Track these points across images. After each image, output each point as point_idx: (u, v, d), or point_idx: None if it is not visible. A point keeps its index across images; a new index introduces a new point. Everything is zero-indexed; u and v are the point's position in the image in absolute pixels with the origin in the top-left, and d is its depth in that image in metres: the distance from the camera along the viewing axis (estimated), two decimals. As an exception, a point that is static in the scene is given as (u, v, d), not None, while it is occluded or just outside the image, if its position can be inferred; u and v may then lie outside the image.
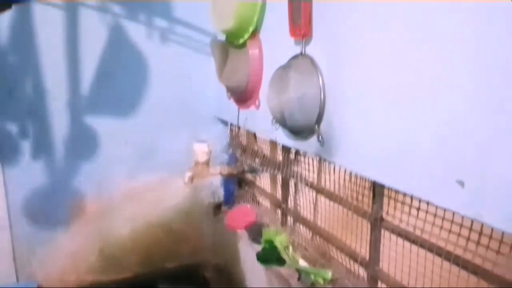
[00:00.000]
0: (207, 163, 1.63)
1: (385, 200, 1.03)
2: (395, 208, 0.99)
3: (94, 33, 1.65)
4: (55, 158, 1.72)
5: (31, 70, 1.61)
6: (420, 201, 0.89)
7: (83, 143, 1.74)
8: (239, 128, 1.84)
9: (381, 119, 0.89)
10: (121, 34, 1.69)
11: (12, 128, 1.64)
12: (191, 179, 1.62)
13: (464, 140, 0.68)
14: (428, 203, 0.86)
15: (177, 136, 1.86)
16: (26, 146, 1.67)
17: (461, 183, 0.68)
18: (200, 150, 1.60)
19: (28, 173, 1.69)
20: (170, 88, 1.81)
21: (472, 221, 0.78)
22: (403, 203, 0.96)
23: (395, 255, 1.01)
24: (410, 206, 0.92)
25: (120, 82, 1.73)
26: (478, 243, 0.77)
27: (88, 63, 1.66)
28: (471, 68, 0.67)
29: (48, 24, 1.58)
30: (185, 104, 1.85)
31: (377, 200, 1.04)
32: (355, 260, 1.18)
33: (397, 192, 0.97)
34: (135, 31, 1.70)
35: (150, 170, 1.86)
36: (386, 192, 1.02)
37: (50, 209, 1.76)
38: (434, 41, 0.74)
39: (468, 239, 0.79)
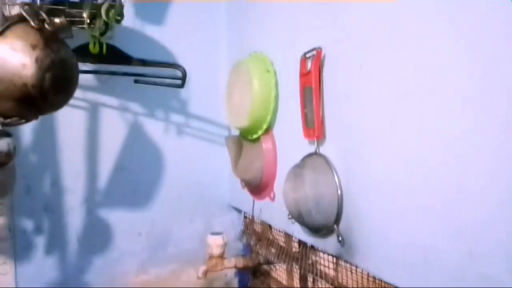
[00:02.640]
0: (221, 255, 1.60)
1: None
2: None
3: (113, 130, 1.73)
4: (68, 253, 1.70)
5: (50, 167, 1.66)
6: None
7: (97, 237, 1.72)
8: (253, 217, 1.84)
9: (402, 222, 0.89)
10: (139, 130, 1.77)
11: (28, 224, 1.64)
12: (205, 273, 1.58)
13: (492, 252, 0.67)
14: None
15: (191, 226, 1.85)
16: (40, 241, 1.66)
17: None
18: (215, 243, 1.58)
19: (40, 269, 1.66)
20: (184, 178, 1.84)
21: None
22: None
23: None
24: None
25: (135, 174, 1.77)
26: None
27: (105, 159, 1.72)
28: (493, 173, 0.68)
29: (69, 123, 1.66)
30: (199, 193, 1.87)
31: (405, 305, 1.00)
32: None
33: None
34: (153, 126, 1.78)
35: (162, 262, 1.82)
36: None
37: (59, 305, 1.70)
38: (454, 135, 0.76)
39: None
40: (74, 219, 1.69)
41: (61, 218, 1.68)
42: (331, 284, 1.34)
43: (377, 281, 1.12)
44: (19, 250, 1.63)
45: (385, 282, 1.08)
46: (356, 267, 1.16)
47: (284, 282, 1.68)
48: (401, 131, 0.89)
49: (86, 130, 1.70)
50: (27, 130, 1.62)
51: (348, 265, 1.27)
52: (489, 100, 0.69)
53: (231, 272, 1.91)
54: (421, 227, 0.83)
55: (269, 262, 1.65)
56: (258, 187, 1.52)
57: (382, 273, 0.96)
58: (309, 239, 1.25)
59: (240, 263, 1.63)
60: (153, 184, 1.80)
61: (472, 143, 0.72)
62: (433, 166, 0.81)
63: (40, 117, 1.62)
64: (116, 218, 1.74)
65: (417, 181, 0.85)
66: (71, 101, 1.66)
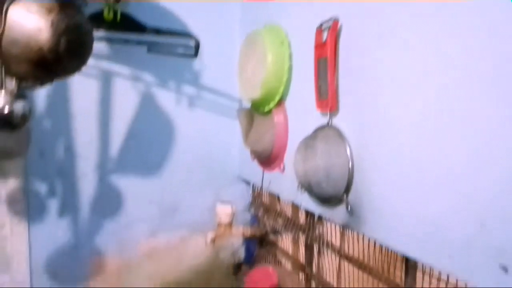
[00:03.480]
0: (229, 224, 1.64)
1: (419, 274, 1.02)
2: (430, 283, 0.98)
3: (125, 100, 1.74)
4: (80, 217, 1.75)
5: (64, 133, 1.69)
6: (457, 280, 0.88)
7: (108, 203, 1.77)
8: (261, 188, 1.87)
9: (413, 193, 0.90)
10: (151, 100, 1.78)
11: (41, 188, 1.69)
12: (213, 240, 1.63)
13: (507, 224, 0.69)
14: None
15: (200, 196, 1.88)
16: (53, 205, 1.71)
17: (505, 269, 0.68)
18: (223, 212, 1.62)
19: (53, 231, 1.71)
20: (195, 149, 1.87)
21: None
22: (438, 279, 0.95)
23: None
24: (447, 283, 0.92)
25: (147, 143, 1.80)
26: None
27: (117, 127, 1.74)
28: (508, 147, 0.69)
29: (82, 92, 1.68)
30: (209, 164, 1.90)
31: (410, 273, 1.04)
32: (387, 334, 1.14)
33: (431, 268, 0.96)
34: (165, 97, 1.79)
35: (172, 229, 1.87)
36: (419, 265, 1.02)
37: (71, 266, 1.76)
38: (467, 117, 0.77)
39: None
40: (87, 184, 1.73)
41: (73, 183, 1.72)
42: (337, 254, 1.38)
43: (383, 250, 1.15)
44: (32, 212, 1.68)
45: (392, 252, 1.11)
46: (363, 237, 1.19)
47: (290, 252, 1.73)
48: (416, 104, 0.89)
49: (99, 98, 1.72)
50: (41, 96, 1.64)
51: (353, 236, 1.30)
52: (503, 72, 0.69)
53: (238, 242, 1.96)
54: (432, 198, 0.85)
55: (276, 232, 1.69)
56: (268, 159, 1.54)
57: (391, 243, 0.98)
58: (317, 209, 1.28)
59: (248, 232, 1.68)
60: (164, 154, 1.83)
61: (485, 114, 0.73)
62: (445, 138, 0.82)
63: (55, 84, 1.65)
64: (127, 185, 1.78)
65: (429, 153, 0.86)
66: (85, 70, 1.66)
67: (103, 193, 1.76)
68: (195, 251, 1.91)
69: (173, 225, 1.86)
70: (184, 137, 1.84)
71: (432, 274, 0.97)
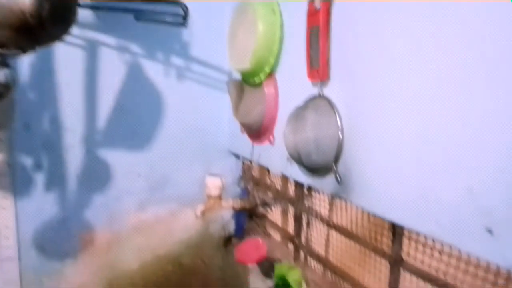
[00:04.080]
0: (219, 197, 1.64)
1: (405, 240, 1.04)
2: (416, 249, 1.01)
3: (112, 70, 1.70)
4: (67, 190, 1.73)
5: (49, 105, 1.65)
6: (443, 244, 0.91)
7: (96, 176, 1.75)
8: (251, 161, 1.87)
9: (402, 160, 0.91)
10: (139, 71, 1.74)
11: (27, 161, 1.66)
12: (203, 213, 1.63)
13: (494, 188, 0.70)
14: (451, 247, 0.87)
15: (190, 169, 1.88)
16: (39, 178, 1.68)
17: (490, 231, 0.70)
18: (213, 184, 1.62)
19: (40, 205, 1.69)
20: (184, 122, 1.85)
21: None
22: (424, 245, 0.97)
23: (415, 297, 1.02)
24: (433, 248, 0.94)
25: (135, 116, 1.77)
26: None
27: (105, 99, 1.71)
28: (499, 114, 0.70)
29: (68, 62, 1.63)
30: (199, 137, 1.89)
31: (397, 240, 1.06)
32: (373, 300, 1.18)
33: (418, 234, 0.98)
34: (153, 68, 1.75)
35: (161, 202, 1.87)
36: (406, 232, 1.04)
37: (60, 240, 1.75)
38: (458, 87, 0.77)
39: (494, 284, 0.80)
40: (74, 157, 1.71)
41: (60, 156, 1.69)
42: (325, 224, 1.40)
43: (371, 219, 1.17)
44: (19, 185, 1.66)
45: (379, 219, 1.13)
46: (351, 207, 1.21)
47: (280, 224, 1.75)
48: (407, 74, 0.89)
49: (85, 69, 1.67)
50: (26, 67, 1.59)
51: (342, 205, 1.32)
52: (496, 40, 0.69)
53: (228, 215, 1.98)
54: (421, 165, 0.86)
55: (265, 204, 1.71)
56: (258, 132, 1.53)
57: (378, 210, 1.00)
58: (306, 180, 1.29)
59: (237, 204, 1.68)
60: (153, 126, 1.81)
61: (476, 83, 0.73)
62: (435, 106, 0.82)
63: (39, 54, 1.60)
64: (116, 158, 1.76)
65: (418, 122, 0.86)
66: (70, 39, 1.63)
67: (91, 166, 1.73)
68: (185, 224, 1.92)
69: (163, 198, 1.86)
70: (173, 109, 1.82)
71: (419, 240, 1.00)
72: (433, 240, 0.94)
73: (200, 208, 1.62)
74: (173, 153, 1.84)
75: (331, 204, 1.37)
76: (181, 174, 1.87)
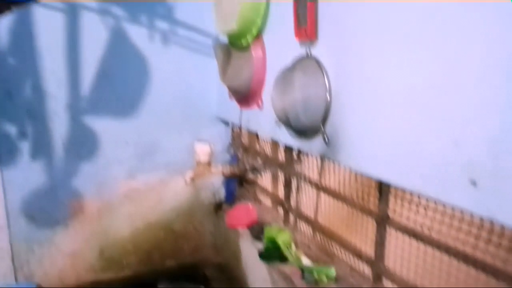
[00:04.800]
0: (208, 163, 1.64)
1: (391, 198, 1.05)
2: (402, 206, 1.02)
3: (95, 35, 1.64)
4: (54, 159, 1.71)
5: (31, 72, 1.60)
6: (427, 199, 0.91)
7: (83, 144, 1.73)
8: (240, 128, 1.85)
9: (389, 118, 0.90)
10: (122, 35, 1.68)
11: (11, 129, 1.62)
12: (193, 179, 1.63)
13: (479, 140, 0.70)
14: (436, 201, 0.88)
15: (178, 136, 1.86)
16: (25, 147, 1.65)
17: (473, 182, 0.70)
18: (202, 150, 1.61)
19: (27, 174, 1.68)
20: (171, 89, 1.81)
21: (482, 220, 0.80)
22: (410, 201, 0.98)
23: (401, 253, 1.04)
24: (418, 204, 0.95)
25: (120, 82, 1.73)
26: (489, 241, 0.79)
27: (88, 64, 1.66)
28: (484, 66, 0.69)
29: (48, 26, 1.58)
30: (186, 104, 1.86)
31: (383, 198, 1.07)
32: (360, 258, 1.20)
33: (404, 190, 0.99)
34: (137, 33, 1.70)
35: (151, 170, 1.86)
36: (392, 190, 1.05)
37: (49, 209, 1.75)
38: (443, 40, 0.75)
39: (478, 237, 0.81)
40: (59, 125, 1.68)
41: (45, 124, 1.66)
42: (315, 187, 1.41)
43: (358, 179, 1.18)
44: (3, 154, 1.63)
45: (366, 179, 1.14)
46: (337, 167, 1.21)
47: (270, 189, 1.76)
48: (394, 31, 0.87)
49: (66, 34, 1.61)
50: (4, 32, 1.53)
51: (331, 168, 1.32)
52: None
53: (218, 182, 1.98)
54: (408, 121, 0.85)
55: (255, 170, 1.71)
56: (246, 96, 1.51)
57: (365, 169, 1.00)
58: (295, 143, 1.28)
59: (227, 170, 1.68)
60: (139, 93, 1.77)
61: (461, 36, 0.71)
62: (421, 63, 0.80)
63: (18, 18, 1.53)
64: (102, 125, 1.73)
65: (404, 78, 0.85)
66: (50, 2, 1.55)
67: (77, 134, 1.71)
68: (175, 191, 1.92)
69: (152, 166, 1.85)
70: (159, 75, 1.77)
71: (404, 197, 1.01)
72: (419, 196, 0.95)
73: (189, 174, 1.62)
74: (161, 120, 1.82)
75: (320, 168, 1.37)
76: (169, 141, 1.85)
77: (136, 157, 1.82)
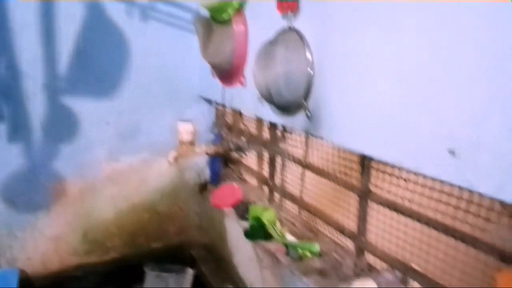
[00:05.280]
0: (191, 142, 1.61)
1: (373, 172, 1.05)
2: (383, 180, 1.01)
3: (70, 11, 1.58)
4: (33, 141, 1.66)
5: (4, 51, 1.53)
6: (408, 172, 0.91)
7: (62, 125, 1.68)
8: (224, 107, 1.82)
9: (370, 92, 0.89)
10: (99, 12, 1.62)
11: (-15, 110, 1.57)
12: (176, 158, 1.60)
13: (455, 110, 0.69)
14: (416, 174, 0.88)
15: (160, 116, 1.82)
16: (1, 129, 1.60)
17: (452, 152, 0.69)
18: (184, 130, 1.58)
19: (4, 157, 1.63)
20: (151, 67, 1.76)
21: (461, 190, 0.80)
22: (391, 175, 0.98)
23: (382, 227, 1.04)
24: (399, 177, 0.95)
25: (99, 61, 1.67)
26: (467, 211, 0.79)
27: (64, 43, 1.60)
28: (462, 36, 0.68)
29: (21, 2, 1.50)
30: (168, 83, 1.81)
31: (365, 173, 1.06)
32: (343, 233, 1.20)
33: (385, 164, 0.99)
34: (114, 8, 1.63)
35: (133, 151, 1.82)
36: (374, 165, 1.04)
37: (29, 193, 1.71)
38: (424, 13, 0.74)
39: (457, 208, 0.81)
40: (36, 106, 1.62)
41: (21, 105, 1.60)
42: (299, 164, 1.40)
43: (341, 154, 1.17)
44: (-21, 137, 1.58)
45: (349, 154, 1.13)
46: (322, 143, 1.20)
47: (255, 168, 1.75)
48: (377, 4, 0.84)
49: (39, 10, 1.54)
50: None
51: (314, 145, 1.31)
52: None
53: (202, 162, 1.96)
54: (389, 94, 0.84)
55: (239, 149, 1.69)
56: (229, 73, 1.48)
57: (348, 144, 0.99)
58: (278, 120, 1.26)
59: (211, 149, 1.66)
60: (118, 72, 1.72)
61: (446, 11, 0.69)
62: (403, 36, 0.79)
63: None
64: (81, 106, 1.68)
65: (386, 51, 0.83)
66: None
67: (55, 115, 1.66)
68: (159, 172, 1.89)
69: (134, 147, 1.82)
70: (138, 53, 1.72)
71: (386, 171, 1.00)
72: (399, 170, 0.94)
73: (172, 154, 1.59)
74: (141, 99, 1.78)
75: (304, 145, 1.36)
76: (152, 121, 1.81)
77: (118, 138, 1.78)
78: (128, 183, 1.85)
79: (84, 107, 1.69)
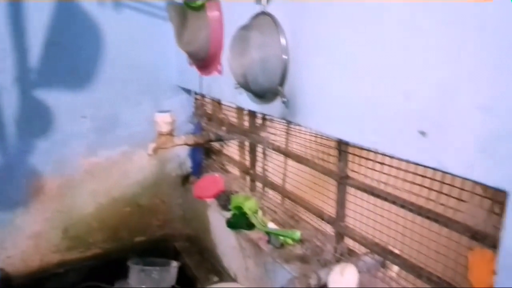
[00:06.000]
0: (170, 133, 1.58)
1: (350, 157, 1.04)
2: (359, 165, 1.01)
3: (39, 1, 1.52)
4: (6, 136, 1.61)
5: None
6: (383, 155, 0.91)
7: (37, 119, 1.63)
8: (203, 96, 1.80)
9: (342, 76, 0.88)
10: (69, 1, 1.57)
11: (-46, 105, 1.51)
12: (155, 150, 1.58)
13: (424, 91, 0.69)
14: (390, 157, 0.87)
15: (138, 108, 1.79)
16: (-28, 125, 1.55)
17: (423, 133, 0.69)
18: (163, 120, 1.55)
19: (-22, 153, 1.58)
20: (127, 58, 1.72)
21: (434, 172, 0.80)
22: (367, 159, 0.98)
23: (360, 211, 1.04)
24: (374, 161, 0.94)
25: (72, 52, 1.62)
26: (440, 192, 0.80)
27: (35, 34, 1.54)
28: (426, 18, 0.67)
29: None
30: (145, 73, 1.77)
31: (342, 158, 1.06)
32: (322, 219, 1.21)
33: (361, 148, 0.98)
34: (85, -4, 1.58)
35: (112, 144, 1.79)
36: (350, 150, 1.04)
37: (6, 190, 1.67)
38: None
39: (430, 189, 0.82)
40: (8, 100, 1.57)
41: (-9, 99, 1.55)
42: (280, 152, 1.39)
43: (318, 140, 1.16)
44: (-51, 134, 1.53)
45: (327, 140, 1.12)
46: (301, 131, 1.19)
47: (237, 158, 1.73)
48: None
49: (7, 1, 1.48)
50: None
51: (294, 133, 1.30)
52: None
53: (184, 154, 1.94)
54: (362, 78, 0.83)
55: (220, 139, 1.67)
56: (206, 61, 1.45)
57: (324, 129, 0.98)
58: (256, 107, 1.25)
59: (191, 140, 1.64)
60: (93, 63, 1.67)
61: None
62: (376, 21, 0.78)
63: None
64: (55, 99, 1.63)
65: (360, 36, 0.82)
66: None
67: (29, 109, 1.60)
68: (140, 165, 1.86)
69: (113, 140, 1.78)
70: (113, 43, 1.67)
71: (362, 155, 1.00)
72: (375, 153, 0.94)
73: (151, 145, 1.56)
74: (118, 91, 1.74)
75: (287, 133, 1.35)
76: (130, 114, 1.78)
77: (95, 131, 1.74)
78: (108, 177, 1.82)
79: (58, 101, 1.64)
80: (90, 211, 1.81)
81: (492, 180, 0.62)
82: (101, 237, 1.86)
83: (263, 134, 1.47)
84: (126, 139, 1.80)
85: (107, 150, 1.79)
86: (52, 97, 1.63)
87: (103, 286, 1.74)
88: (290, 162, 1.37)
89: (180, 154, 1.93)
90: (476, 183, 0.66)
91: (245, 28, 1.11)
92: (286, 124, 1.32)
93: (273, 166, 1.47)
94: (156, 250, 1.88)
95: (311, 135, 1.20)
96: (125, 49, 1.71)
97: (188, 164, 1.96)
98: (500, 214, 0.66)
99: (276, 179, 1.47)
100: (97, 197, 1.82)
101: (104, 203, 1.84)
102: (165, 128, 1.56)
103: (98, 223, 1.84)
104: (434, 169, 0.72)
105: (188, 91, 1.86)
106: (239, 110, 1.60)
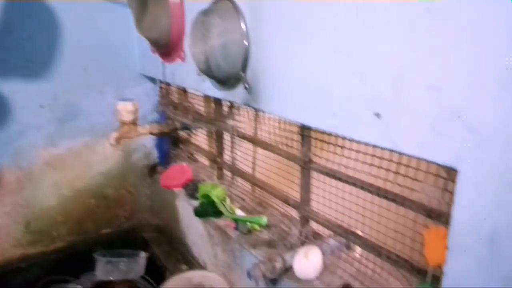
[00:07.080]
0: (134, 122, 1.54)
1: (313, 142, 1.05)
2: (321, 149, 1.02)
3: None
4: (-43, 129, 1.52)
5: None
6: (343, 139, 0.92)
7: (-9, 110, 1.55)
8: (169, 85, 1.76)
9: (301, 60, 0.89)
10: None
11: None
12: (118, 140, 1.53)
13: (377, 72, 0.70)
14: (351, 140, 0.89)
15: (100, 97, 1.73)
16: None
17: (377, 115, 0.70)
18: (124, 109, 1.50)
19: None
20: (86, 45, 1.65)
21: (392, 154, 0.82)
22: (328, 143, 0.99)
23: (323, 194, 1.06)
24: (335, 145, 0.96)
25: (27, 40, 1.54)
26: (397, 173, 0.82)
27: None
28: (382, 4, 0.67)
29: None
30: (106, 61, 1.71)
31: (305, 143, 1.07)
32: (288, 204, 1.22)
33: (322, 133, 0.99)
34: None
35: (73, 134, 1.72)
36: (313, 134, 1.05)
37: (-40, 185, 1.59)
38: None
39: (387, 170, 0.84)
40: (-43, 91, 1.48)
41: None
42: (246, 139, 1.38)
43: (282, 126, 1.17)
44: None
45: (289, 125, 1.13)
46: (268, 118, 1.19)
47: (205, 147, 1.72)
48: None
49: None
50: None
51: (261, 119, 1.30)
52: None
53: (150, 143, 1.90)
54: (318, 62, 0.83)
55: (186, 127, 1.64)
56: (168, 48, 1.41)
57: (286, 114, 0.98)
58: (219, 94, 1.23)
59: (155, 129, 1.60)
60: (50, 51, 1.59)
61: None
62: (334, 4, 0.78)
63: None
64: (11, 89, 1.55)
65: (315, 17, 0.82)
66: None
67: (-19, 100, 1.52)
68: (103, 155, 1.81)
69: (74, 131, 1.72)
70: (72, 30, 1.60)
71: (324, 139, 1.01)
72: (335, 137, 0.95)
73: (113, 135, 1.52)
74: (78, 80, 1.67)
75: (255, 121, 1.34)
76: (91, 103, 1.71)
77: (55, 121, 1.67)
78: (70, 168, 1.76)
79: (14, 91, 1.56)
80: (53, 204, 1.75)
81: (443, 158, 0.64)
82: (65, 230, 1.80)
83: (230, 122, 1.46)
84: (88, 129, 1.74)
85: (68, 141, 1.72)
86: (7, 87, 1.54)
87: (68, 279, 1.70)
88: (260, 150, 1.37)
89: (146, 144, 1.89)
90: (429, 162, 0.68)
91: (205, 13, 1.09)
92: (254, 112, 1.31)
93: (242, 154, 1.47)
94: (124, 242, 1.85)
95: (276, 122, 1.20)
96: (85, 36, 1.64)
97: (155, 154, 1.92)
98: (453, 192, 0.68)
99: (244, 167, 1.47)
100: (60, 189, 1.76)
101: (67, 195, 1.78)
102: (127, 117, 1.51)
103: (62, 216, 1.78)
104: (390, 150, 0.74)
105: (153, 80, 1.81)
106: (206, 98, 1.58)
